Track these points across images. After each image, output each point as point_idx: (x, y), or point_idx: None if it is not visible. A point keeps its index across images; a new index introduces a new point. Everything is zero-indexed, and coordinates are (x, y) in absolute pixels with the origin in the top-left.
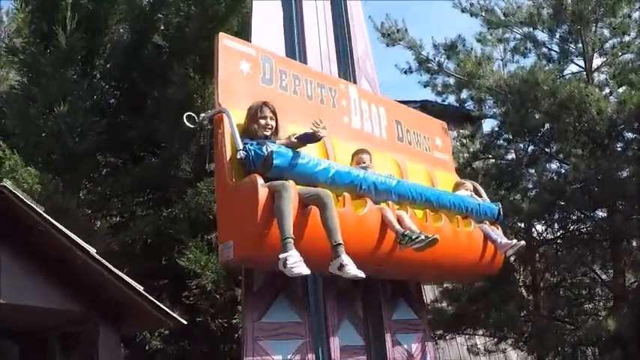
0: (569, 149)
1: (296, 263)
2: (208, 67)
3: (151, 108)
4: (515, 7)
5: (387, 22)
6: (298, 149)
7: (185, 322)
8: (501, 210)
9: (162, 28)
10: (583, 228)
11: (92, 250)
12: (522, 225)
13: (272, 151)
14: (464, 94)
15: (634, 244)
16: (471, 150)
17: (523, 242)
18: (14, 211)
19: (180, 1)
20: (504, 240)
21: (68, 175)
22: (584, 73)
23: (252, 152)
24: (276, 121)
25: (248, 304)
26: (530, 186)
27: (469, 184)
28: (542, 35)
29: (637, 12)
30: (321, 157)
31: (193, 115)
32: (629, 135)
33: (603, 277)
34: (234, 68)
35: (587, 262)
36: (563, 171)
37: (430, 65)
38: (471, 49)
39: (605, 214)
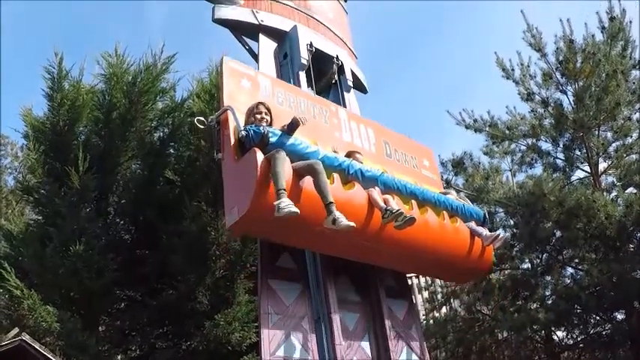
0: (581, 254)
1: (287, 205)
2: (220, 199)
3: (166, 242)
4: (519, 119)
5: None
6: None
7: None
8: (486, 214)
9: (173, 162)
10: (603, 331)
11: None
12: (542, 333)
13: (268, 130)
14: None
15: None
16: None
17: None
18: None
19: (190, 135)
20: (489, 233)
21: (86, 311)
22: (591, 177)
23: (251, 131)
24: (271, 117)
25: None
26: (548, 293)
27: (454, 192)
28: (546, 145)
29: (637, 113)
30: None
31: (202, 118)
32: None
33: None
34: (237, 84)
35: None
36: (577, 277)
37: None
38: (479, 162)
39: (624, 316)
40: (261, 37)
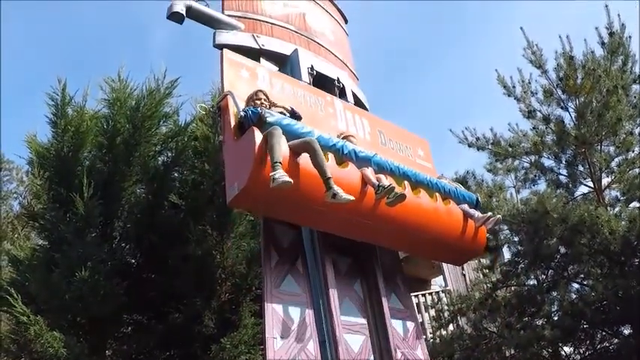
0: (587, 270)
1: (281, 176)
2: (225, 223)
3: (171, 266)
4: (522, 136)
5: None
6: None
7: None
8: (479, 198)
9: (177, 186)
10: (610, 346)
11: None
12: (550, 350)
13: (264, 111)
14: None
15: None
16: (492, 279)
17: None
18: None
19: (195, 159)
20: (481, 214)
21: (93, 336)
22: (594, 192)
23: (250, 112)
24: (269, 103)
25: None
26: (554, 309)
27: (449, 179)
28: (549, 162)
29: (639, 127)
30: None
31: (204, 105)
32: None
33: None
34: (236, 74)
35: None
36: (583, 293)
37: None
38: (482, 180)
39: (630, 331)
40: (262, 61)
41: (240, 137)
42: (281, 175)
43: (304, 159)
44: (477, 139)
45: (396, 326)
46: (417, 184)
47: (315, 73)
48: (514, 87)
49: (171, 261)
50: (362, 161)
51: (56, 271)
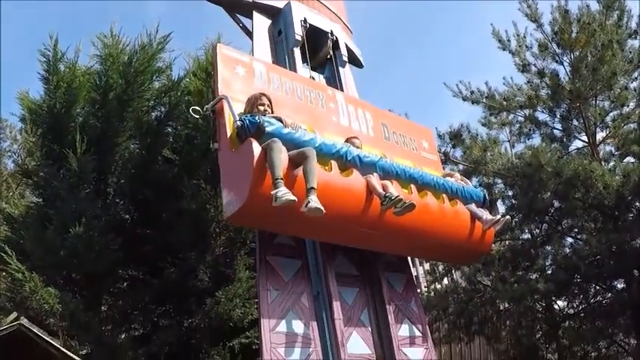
0: (580, 224)
1: (284, 194)
2: (219, 177)
3: (166, 221)
4: (516, 90)
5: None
6: None
7: None
8: (487, 195)
9: (171, 141)
10: (603, 300)
11: None
12: (543, 303)
13: (263, 119)
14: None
15: None
16: None
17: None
18: (32, 346)
19: (188, 113)
20: (489, 216)
21: (88, 292)
22: (589, 147)
23: (247, 121)
24: (272, 108)
25: None
26: (548, 263)
27: (458, 175)
28: (543, 116)
29: (634, 82)
30: None
31: (198, 108)
32: (638, 205)
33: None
34: (231, 71)
35: (608, 335)
36: (577, 247)
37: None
38: (477, 134)
39: (623, 285)
40: (255, 14)
41: (238, 148)
42: (284, 193)
43: None
44: (472, 92)
45: (390, 279)
46: (423, 186)
47: (308, 26)
48: (509, 41)
49: (165, 216)
50: (367, 167)
51: (50, 227)
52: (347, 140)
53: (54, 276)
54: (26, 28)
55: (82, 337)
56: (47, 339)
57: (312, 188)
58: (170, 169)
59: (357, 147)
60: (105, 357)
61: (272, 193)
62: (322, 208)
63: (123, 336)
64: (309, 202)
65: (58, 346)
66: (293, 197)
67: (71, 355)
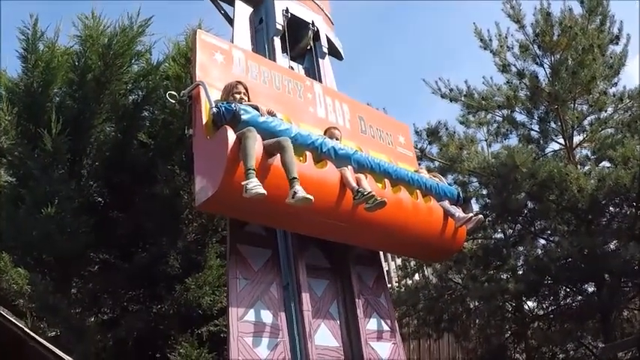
0: (553, 226)
1: (255, 187)
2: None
3: (139, 205)
4: (495, 89)
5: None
6: None
7: None
8: (461, 193)
9: (147, 125)
10: (573, 303)
11: None
12: (513, 303)
13: (239, 107)
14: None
15: (625, 314)
16: None
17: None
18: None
19: (166, 98)
20: (462, 214)
21: (59, 274)
22: (566, 150)
23: (223, 108)
24: (248, 97)
25: None
26: (519, 264)
27: (425, 170)
28: (521, 117)
29: (612, 88)
30: None
31: (175, 93)
32: (612, 209)
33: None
34: (210, 58)
35: (577, 337)
36: (549, 248)
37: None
38: (454, 132)
39: (594, 289)
40: (237, 1)
41: (212, 135)
42: (254, 185)
43: (278, 160)
44: (451, 90)
45: (361, 273)
46: (397, 181)
47: (290, 15)
48: (491, 40)
49: (138, 200)
50: (341, 159)
51: (22, 207)
52: (327, 130)
53: (25, 257)
54: (6, 5)
55: (50, 319)
56: (16, 322)
57: (295, 178)
58: (145, 154)
59: (337, 138)
60: (73, 340)
61: (243, 184)
62: (311, 197)
63: (92, 319)
64: (295, 192)
65: (23, 327)
66: (263, 191)
67: (39, 339)
